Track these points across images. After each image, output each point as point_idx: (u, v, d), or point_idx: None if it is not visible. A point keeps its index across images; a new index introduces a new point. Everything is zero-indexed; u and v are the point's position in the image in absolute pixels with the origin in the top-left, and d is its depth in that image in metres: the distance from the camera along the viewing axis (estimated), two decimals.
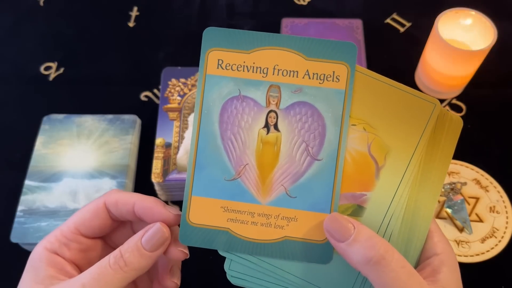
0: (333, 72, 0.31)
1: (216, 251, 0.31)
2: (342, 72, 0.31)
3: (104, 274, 0.29)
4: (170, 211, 0.31)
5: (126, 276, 0.29)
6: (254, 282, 0.32)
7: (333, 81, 0.31)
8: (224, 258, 0.32)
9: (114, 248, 0.31)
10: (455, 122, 0.32)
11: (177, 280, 0.34)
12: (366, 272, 0.28)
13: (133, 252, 0.30)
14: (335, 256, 0.31)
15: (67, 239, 0.32)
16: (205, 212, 0.31)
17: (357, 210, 0.31)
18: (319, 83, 0.31)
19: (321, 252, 0.31)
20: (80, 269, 0.33)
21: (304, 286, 0.31)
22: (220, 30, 0.32)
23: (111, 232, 0.36)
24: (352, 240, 0.28)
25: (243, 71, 0.32)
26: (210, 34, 0.32)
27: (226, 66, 0.32)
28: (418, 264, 0.32)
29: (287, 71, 0.32)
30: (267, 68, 0.32)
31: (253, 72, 0.32)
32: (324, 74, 0.31)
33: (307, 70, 0.31)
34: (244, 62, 0.32)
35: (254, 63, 0.32)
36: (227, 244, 0.31)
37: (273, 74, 0.32)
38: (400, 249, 0.31)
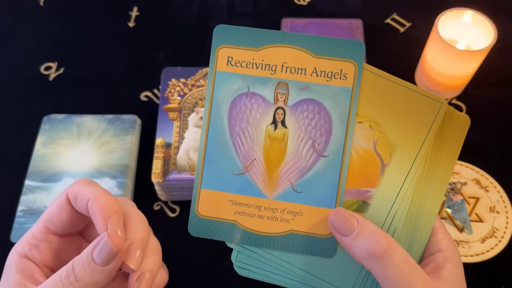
0: (341, 70, 0.32)
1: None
2: (350, 70, 0.32)
3: None
4: (110, 229, 0.27)
5: None
6: (259, 273, 0.32)
7: (340, 79, 0.32)
8: (230, 251, 0.33)
9: None
10: (462, 120, 0.32)
11: None
12: (369, 266, 0.29)
13: (84, 266, 0.27)
14: (339, 251, 0.31)
15: (37, 240, 0.30)
16: (213, 205, 0.32)
17: (361, 206, 0.31)
18: (327, 80, 0.32)
19: (325, 246, 0.31)
20: (53, 270, 0.31)
21: (308, 279, 0.32)
22: (230, 27, 0.32)
23: (88, 227, 0.33)
24: (356, 234, 0.29)
25: (252, 68, 0.32)
26: (220, 31, 0.32)
27: (235, 63, 0.32)
28: (422, 260, 0.32)
29: (295, 68, 0.32)
30: (276, 66, 0.32)
31: (261, 69, 0.32)
32: (332, 72, 0.32)
33: (315, 68, 0.32)
34: (253, 59, 0.32)
35: (263, 60, 0.32)
36: (234, 236, 0.32)
37: (281, 71, 0.32)
38: (404, 245, 0.31)
